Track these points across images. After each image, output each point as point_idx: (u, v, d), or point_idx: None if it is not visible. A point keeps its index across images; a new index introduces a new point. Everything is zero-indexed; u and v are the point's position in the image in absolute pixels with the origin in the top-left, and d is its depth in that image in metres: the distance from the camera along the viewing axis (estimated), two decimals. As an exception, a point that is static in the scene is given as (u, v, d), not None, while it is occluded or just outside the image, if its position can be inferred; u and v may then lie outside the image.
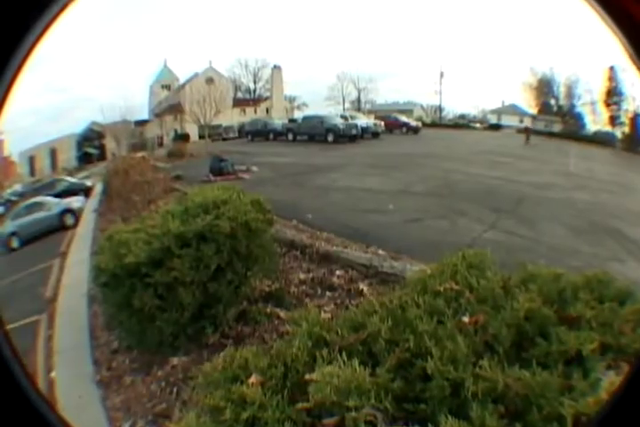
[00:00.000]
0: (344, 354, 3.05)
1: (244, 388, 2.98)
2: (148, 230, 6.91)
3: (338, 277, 8.20)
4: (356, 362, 2.91)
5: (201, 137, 41.43)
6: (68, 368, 8.17)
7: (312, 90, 69.30)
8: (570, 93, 37.93)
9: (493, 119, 41.05)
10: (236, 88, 56.28)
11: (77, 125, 56.89)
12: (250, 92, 59.08)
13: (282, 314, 7.21)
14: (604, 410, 1.67)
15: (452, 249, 7.13)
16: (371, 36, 49.60)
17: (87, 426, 6.33)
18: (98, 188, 27.62)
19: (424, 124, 38.00)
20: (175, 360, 6.79)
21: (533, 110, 39.55)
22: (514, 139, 33.31)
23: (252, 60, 58.19)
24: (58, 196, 26.68)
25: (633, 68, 1.47)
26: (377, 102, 51.41)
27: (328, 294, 7.81)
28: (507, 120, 39.68)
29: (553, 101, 39.38)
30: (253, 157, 24.39)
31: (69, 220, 22.73)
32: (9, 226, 24.67)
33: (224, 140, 40.41)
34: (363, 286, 7.72)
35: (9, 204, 39.45)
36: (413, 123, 37.56)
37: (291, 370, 3.15)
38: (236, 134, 44.12)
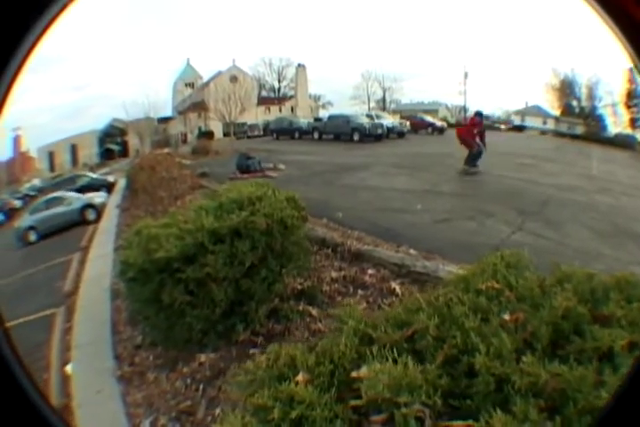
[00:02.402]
0: (389, 351, 3.08)
1: (292, 386, 2.95)
2: (181, 226, 6.79)
3: (370, 275, 8.03)
4: (405, 359, 2.94)
5: (225, 135, 41.68)
6: (86, 363, 8.06)
7: (337, 89, 69.42)
8: (591, 95, 38.10)
9: (517, 120, 41.21)
10: (261, 86, 56.58)
11: (97, 122, 57.38)
12: (274, 91, 59.38)
13: (314, 312, 7.07)
14: (605, 410, 1.71)
15: (482, 250, 7.23)
16: (396, 35, 49.78)
17: (105, 421, 6.28)
18: (121, 183, 27.95)
19: (449, 125, 37.71)
20: (203, 357, 6.59)
21: (556, 112, 39.76)
22: (537, 140, 33.89)
23: (276, 59, 58.41)
24: (79, 191, 26.79)
25: (633, 68, 1.52)
26: (402, 102, 51.83)
27: (360, 292, 7.63)
28: (530, 121, 39.96)
29: (575, 103, 39.66)
30: (280, 155, 24.39)
31: (90, 215, 22.90)
32: (27, 220, 24.87)
33: (249, 137, 40.39)
34: (395, 285, 7.54)
35: (27, 198, 41.55)
36: (439, 123, 37.71)
37: (338, 367, 3.14)
38: (261, 132, 44.12)
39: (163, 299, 6.25)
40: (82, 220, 22.85)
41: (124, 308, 9.31)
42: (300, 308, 7.19)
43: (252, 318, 6.69)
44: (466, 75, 42.74)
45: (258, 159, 22.08)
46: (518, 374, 2.76)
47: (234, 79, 53.82)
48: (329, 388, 2.96)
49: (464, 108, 45.84)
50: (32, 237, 23.88)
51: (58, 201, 24.87)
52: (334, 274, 8.18)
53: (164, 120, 50.65)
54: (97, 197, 24.48)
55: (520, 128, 39.14)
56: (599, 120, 37.82)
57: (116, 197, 24.86)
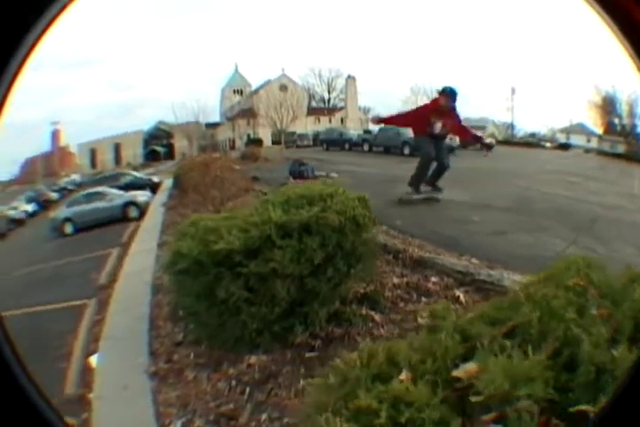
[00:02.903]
0: (493, 346, 3.08)
1: (397, 386, 2.81)
2: (245, 218, 6.55)
3: (433, 283, 7.83)
4: (511, 352, 2.92)
5: (274, 143, 41.94)
6: (116, 356, 7.79)
7: (386, 102, 69.57)
8: (631, 112, 37.56)
9: (562, 138, 41.12)
10: (310, 97, 56.85)
11: (142, 123, 58.31)
12: (324, 102, 59.65)
13: (377, 317, 6.75)
14: (604, 409, 1.74)
15: (541, 261, 7.59)
16: (445, 50, 49.47)
17: (127, 418, 5.93)
18: (166, 183, 28.32)
19: (497, 142, 37.81)
20: (253, 358, 6.18)
21: (599, 129, 39.36)
22: (582, 159, 34.13)
23: (325, 70, 58.60)
24: (121, 189, 27.04)
25: (633, 68, 1.51)
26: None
27: (424, 299, 7.40)
28: (575, 139, 39.80)
29: (617, 120, 38.99)
30: (331, 165, 24.34)
31: (133, 212, 23.19)
32: (64, 212, 25.34)
33: (298, 147, 40.62)
34: (459, 293, 7.33)
35: (65, 191, 42.85)
36: (488, 139, 36.66)
37: (441, 365, 3.05)
38: (311, 143, 44.44)
39: (217, 294, 5.98)
40: (123, 216, 23.18)
41: (165, 303, 9.09)
42: (363, 312, 6.91)
43: (312, 319, 6.35)
44: (513, 90, 42.53)
45: (311, 166, 22.10)
46: (614, 364, 2.79)
47: (284, 88, 54.38)
48: (434, 387, 2.85)
49: (511, 125, 45.59)
50: (68, 228, 24.27)
51: (99, 196, 25.20)
52: (396, 280, 7.99)
53: (212, 125, 51.39)
54: (141, 196, 24.71)
55: (565, 146, 38.91)
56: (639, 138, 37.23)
57: (161, 196, 25.17)
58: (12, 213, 37.38)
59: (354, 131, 42.59)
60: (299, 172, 21.32)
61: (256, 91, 58.99)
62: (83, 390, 7.17)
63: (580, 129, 39.60)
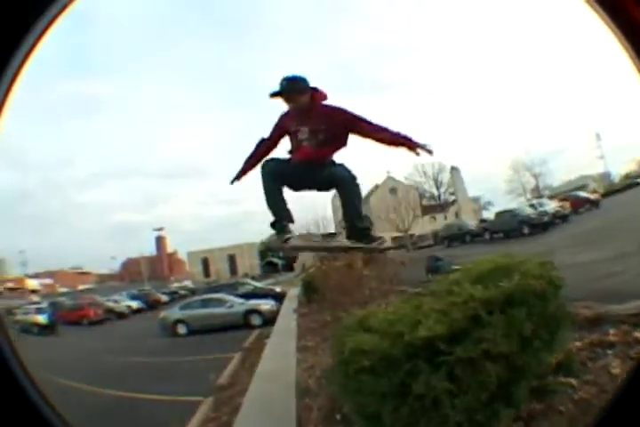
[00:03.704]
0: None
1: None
2: (441, 301, 5.93)
3: (612, 335, 7.46)
4: None
5: (395, 247, 42.08)
6: None
7: (491, 187, 70.45)
8: None
9: None
10: (420, 196, 57.29)
11: (253, 235, 61.02)
12: (434, 198, 60.30)
13: (574, 382, 6.17)
14: (605, 410, 1.73)
15: None
16: (534, 117, 49.81)
17: None
18: (292, 292, 29.12)
19: (601, 195, 38.96)
20: None
21: None
22: None
23: (428, 166, 59.89)
24: (240, 297, 28.27)
25: (633, 68, 1.55)
26: (554, 186, 52.15)
27: (609, 351, 6.96)
28: None
29: None
30: (462, 259, 24.26)
31: (255, 320, 24.34)
32: (176, 313, 26.70)
33: (420, 248, 40.14)
34: (638, 334, 7.14)
35: (175, 295, 46.82)
36: (592, 196, 37.77)
37: None
38: (432, 242, 45.44)
39: (413, 390, 5.18)
40: (244, 323, 24.09)
41: (315, 407, 8.39)
42: (562, 380, 6.29)
43: (517, 400, 5.50)
44: (598, 136, 42.02)
45: (448, 260, 21.35)
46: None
47: (393, 191, 55.25)
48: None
49: (608, 174, 45.25)
50: (182, 329, 25.61)
51: (217, 302, 26.45)
52: (578, 343, 7.44)
53: (328, 235, 51.77)
54: (264, 304, 25.70)
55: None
56: None
57: (290, 303, 25.53)
58: (111, 304, 41.02)
59: (471, 222, 43.46)
60: (436, 267, 20.45)
61: (367, 197, 60.06)
62: None
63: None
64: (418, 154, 4.73)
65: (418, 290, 9.43)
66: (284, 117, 5.16)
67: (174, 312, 27.18)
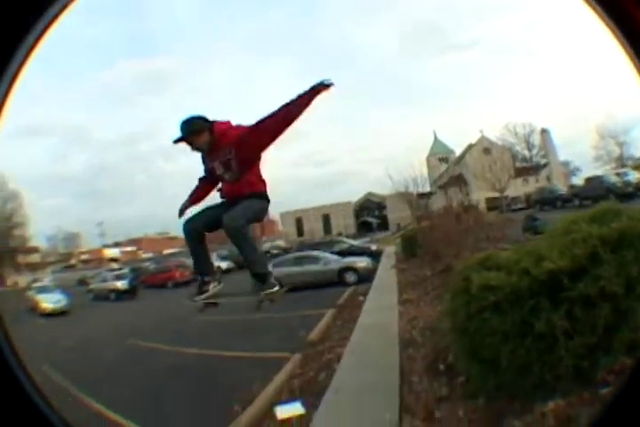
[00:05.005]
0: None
1: None
2: (561, 239, 6.01)
3: None
4: None
5: (489, 209, 41.67)
6: (348, 410, 7.29)
7: (579, 152, 68.11)
8: None
9: None
10: (513, 157, 56.61)
11: (346, 195, 61.56)
12: (526, 160, 59.51)
13: None
14: (605, 409, 1.73)
15: None
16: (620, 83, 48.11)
17: None
18: (389, 250, 30.53)
19: None
20: (550, 405, 5.12)
21: None
22: None
23: (519, 126, 58.85)
24: (335, 255, 27.72)
25: (633, 68, 1.53)
26: (636, 156, 54.40)
27: None
28: None
29: None
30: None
31: (350, 277, 23.77)
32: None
33: (513, 211, 39.33)
34: None
35: (267, 254, 44.39)
36: None
37: None
38: (524, 204, 45.05)
39: (534, 328, 5.32)
40: (339, 281, 23.63)
41: (419, 357, 8.64)
42: None
43: (615, 348, 5.35)
44: None
45: (544, 220, 21.29)
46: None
47: (487, 151, 54.88)
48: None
49: None
50: None
51: (311, 260, 25.92)
52: None
53: (424, 195, 52.42)
54: (359, 262, 25.16)
55: None
56: None
57: (388, 261, 26.11)
58: None
59: (561, 187, 42.90)
60: (534, 226, 20.37)
61: (461, 157, 59.71)
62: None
63: None
64: (327, 88, 4.58)
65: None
66: (203, 157, 5.02)
67: (269, 271, 26.90)
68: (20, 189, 63.09)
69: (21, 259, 65.33)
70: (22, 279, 59.18)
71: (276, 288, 4.98)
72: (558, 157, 56.35)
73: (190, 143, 4.86)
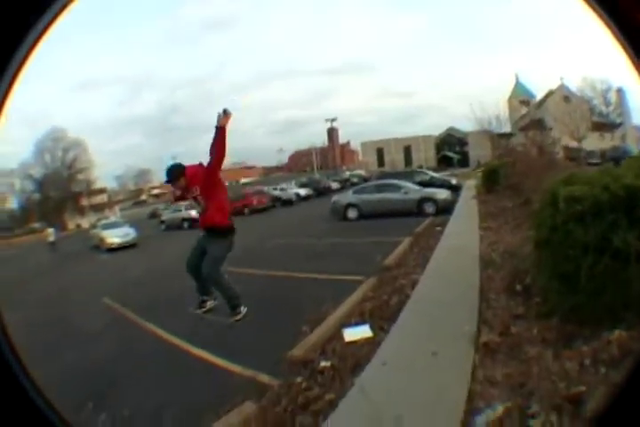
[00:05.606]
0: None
1: None
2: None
3: None
4: None
5: (566, 159, 41.33)
6: (427, 321, 7.60)
7: None
8: None
9: None
10: (590, 110, 55.38)
11: (427, 129, 61.12)
12: (603, 116, 57.88)
13: None
14: (604, 409, 1.73)
15: None
16: None
17: (428, 390, 5.29)
18: (470, 183, 31.42)
19: None
20: (616, 333, 5.24)
21: None
22: None
23: (597, 82, 57.15)
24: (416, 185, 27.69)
25: (633, 68, 1.56)
26: None
27: None
28: None
29: None
30: None
31: (429, 208, 23.75)
32: (349, 197, 26.52)
33: (588, 164, 39.05)
34: None
35: (347, 183, 48.47)
36: None
37: None
38: (599, 160, 43.35)
39: (613, 242, 5.52)
40: (418, 210, 23.67)
41: (498, 277, 9.01)
42: None
43: None
44: None
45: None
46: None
47: (567, 99, 53.70)
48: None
49: None
50: (352, 213, 25.57)
51: (392, 188, 25.87)
52: None
53: (504, 135, 51.83)
54: (440, 193, 25.06)
55: None
56: None
57: (469, 193, 26.73)
58: (277, 193, 41.96)
59: (636, 149, 43.06)
60: (616, 158, 21.62)
61: (542, 102, 58.40)
62: (315, 355, 7.20)
63: None
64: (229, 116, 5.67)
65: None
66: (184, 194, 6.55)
67: (347, 196, 26.91)
68: (82, 137, 67.35)
69: (86, 202, 68.18)
70: (85, 222, 61.87)
71: (241, 314, 6.68)
72: (632, 119, 54.94)
73: (173, 186, 6.53)
